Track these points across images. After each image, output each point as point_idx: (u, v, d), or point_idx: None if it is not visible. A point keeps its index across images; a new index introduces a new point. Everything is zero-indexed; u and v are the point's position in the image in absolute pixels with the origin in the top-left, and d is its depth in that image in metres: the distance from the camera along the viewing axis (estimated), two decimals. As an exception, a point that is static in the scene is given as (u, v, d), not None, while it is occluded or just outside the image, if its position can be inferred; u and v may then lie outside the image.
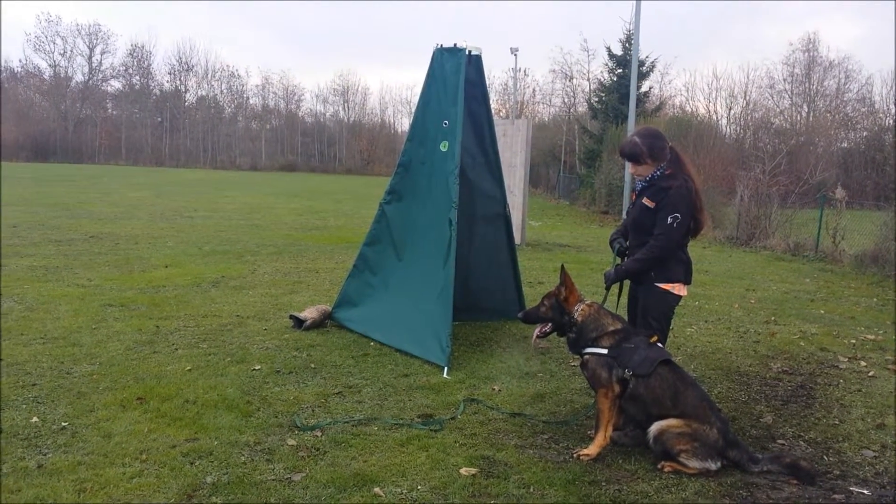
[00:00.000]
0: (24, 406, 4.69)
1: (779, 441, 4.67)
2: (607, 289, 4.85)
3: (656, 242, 4.54)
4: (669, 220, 4.49)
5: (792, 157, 21.97)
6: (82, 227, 15.46)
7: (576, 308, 4.50)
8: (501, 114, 48.64)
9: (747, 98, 47.39)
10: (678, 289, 4.66)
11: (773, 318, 8.66)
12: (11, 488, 3.56)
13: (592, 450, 4.25)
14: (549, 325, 4.61)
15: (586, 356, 4.40)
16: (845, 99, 49.34)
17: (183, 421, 4.53)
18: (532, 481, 3.87)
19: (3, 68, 73.82)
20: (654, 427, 4.12)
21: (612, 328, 4.40)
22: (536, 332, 4.69)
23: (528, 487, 3.81)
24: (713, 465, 4.00)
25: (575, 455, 4.26)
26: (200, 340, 6.52)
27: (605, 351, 4.32)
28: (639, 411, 4.27)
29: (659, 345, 4.42)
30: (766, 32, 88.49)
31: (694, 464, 3.99)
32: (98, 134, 75.14)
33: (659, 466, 4.08)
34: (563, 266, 4.67)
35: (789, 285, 11.47)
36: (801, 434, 4.82)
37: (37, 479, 3.67)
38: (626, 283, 4.90)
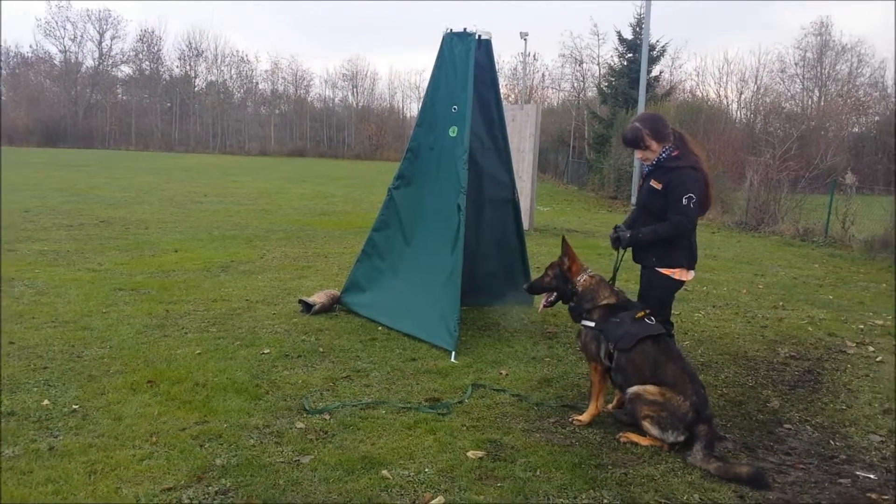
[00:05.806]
0: (36, 389, 4.74)
1: (785, 425, 4.67)
2: (615, 249, 4.93)
3: (675, 221, 4.56)
4: (685, 200, 4.52)
5: (802, 142, 21.78)
6: (93, 211, 15.54)
7: (579, 278, 4.65)
8: (510, 99, 48.46)
9: (758, 82, 46.94)
10: (679, 274, 4.69)
11: (781, 304, 8.64)
12: (24, 469, 3.61)
13: (585, 417, 4.50)
14: (554, 294, 4.77)
15: (581, 328, 4.61)
16: (857, 83, 48.91)
17: (193, 404, 4.57)
18: (539, 464, 3.90)
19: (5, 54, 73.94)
20: (630, 390, 4.28)
21: (604, 302, 4.53)
22: (543, 301, 4.86)
23: (534, 470, 3.83)
24: (672, 438, 4.06)
25: (570, 420, 4.52)
26: (210, 324, 6.57)
27: (592, 324, 4.49)
28: (623, 381, 4.40)
29: (647, 320, 4.44)
30: (781, 16, 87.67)
31: (654, 432, 4.10)
32: (108, 119, 75.23)
33: (616, 437, 4.25)
34: (563, 237, 4.88)
35: (798, 270, 11.42)
36: (808, 419, 4.82)
37: (48, 461, 3.71)
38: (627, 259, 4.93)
